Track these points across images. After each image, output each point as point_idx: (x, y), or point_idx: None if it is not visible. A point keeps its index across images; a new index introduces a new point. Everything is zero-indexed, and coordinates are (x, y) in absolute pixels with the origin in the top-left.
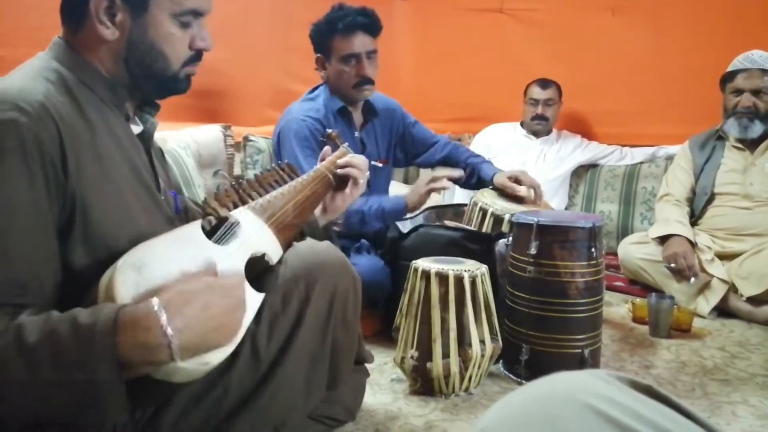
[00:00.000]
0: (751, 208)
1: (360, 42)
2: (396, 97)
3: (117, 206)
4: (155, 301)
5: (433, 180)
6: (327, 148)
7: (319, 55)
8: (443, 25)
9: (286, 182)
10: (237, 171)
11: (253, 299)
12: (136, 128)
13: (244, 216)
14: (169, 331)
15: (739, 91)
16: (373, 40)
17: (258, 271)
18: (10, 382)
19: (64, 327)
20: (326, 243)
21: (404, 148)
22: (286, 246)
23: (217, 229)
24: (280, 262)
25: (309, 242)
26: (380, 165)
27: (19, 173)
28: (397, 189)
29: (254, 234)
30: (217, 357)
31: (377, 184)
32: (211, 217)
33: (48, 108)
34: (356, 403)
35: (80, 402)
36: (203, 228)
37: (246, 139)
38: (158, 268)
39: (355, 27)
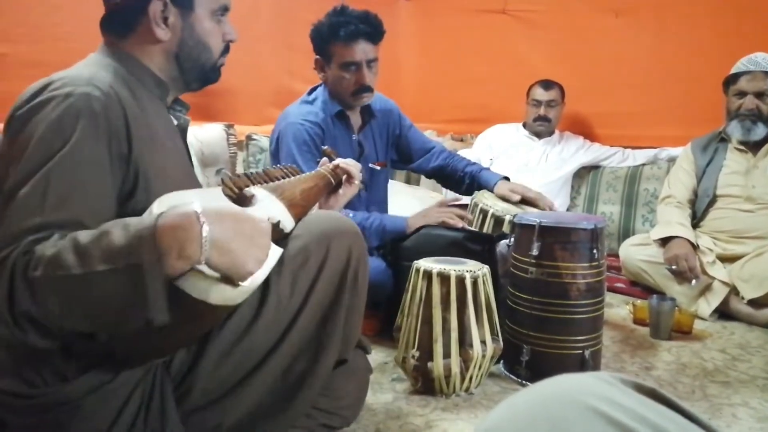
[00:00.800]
0: (753, 211)
1: (361, 50)
2: (399, 98)
3: (171, 180)
4: (196, 203)
5: (448, 216)
6: (324, 159)
7: (318, 57)
8: (446, 26)
9: (289, 177)
10: (239, 169)
11: (273, 252)
12: (174, 121)
13: (257, 191)
14: (202, 218)
15: (742, 94)
16: (374, 48)
17: (274, 239)
18: (65, 279)
19: (115, 226)
20: (337, 212)
21: (399, 150)
22: (296, 221)
23: (236, 204)
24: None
25: (321, 211)
26: (378, 168)
27: (88, 135)
28: (398, 190)
29: (268, 204)
30: (247, 281)
31: (375, 186)
32: (226, 192)
33: (116, 91)
34: (360, 400)
35: (126, 291)
36: None
37: (248, 137)
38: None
39: (357, 35)
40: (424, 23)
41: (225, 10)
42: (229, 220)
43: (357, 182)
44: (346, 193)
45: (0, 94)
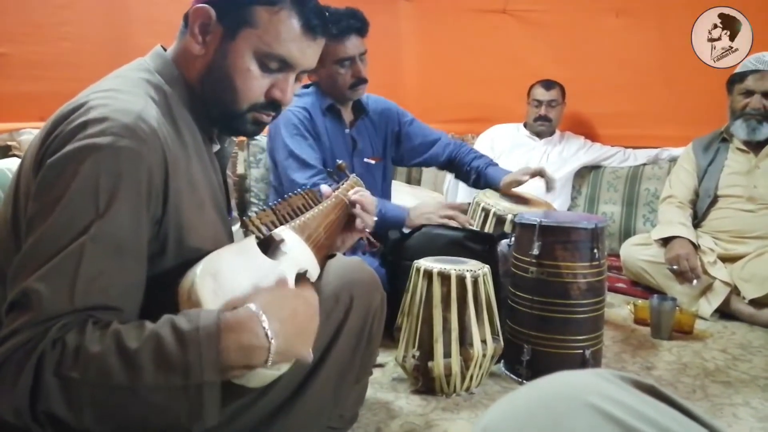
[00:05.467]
0: (755, 211)
1: (353, 45)
2: (400, 98)
3: (205, 231)
4: (254, 305)
5: (451, 217)
6: (326, 187)
7: None
8: (447, 26)
9: (310, 206)
10: (240, 170)
11: None
12: (214, 146)
13: (286, 234)
14: (270, 333)
15: (749, 93)
16: (363, 41)
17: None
18: (111, 387)
19: (165, 332)
20: (357, 259)
21: (402, 146)
22: (321, 265)
23: (264, 245)
24: (318, 279)
25: (341, 258)
26: (373, 162)
27: (130, 203)
28: (398, 189)
29: (298, 251)
30: (287, 364)
31: (371, 181)
32: (254, 235)
33: (159, 136)
34: (359, 401)
35: (181, 406)
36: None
37: (249, 138)
38: (230, 276)
39: (349, 30)
40: (425, 23)
41: (283, 63)
42: (288, 310)
43: (369, 229)
44: (354, 235)
45: (2, 94)
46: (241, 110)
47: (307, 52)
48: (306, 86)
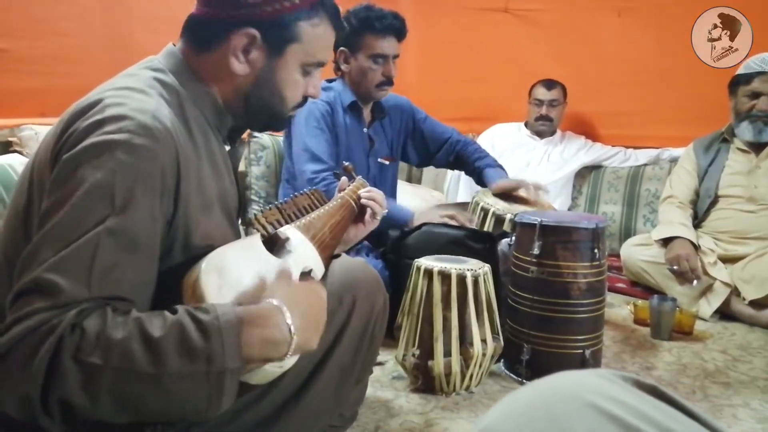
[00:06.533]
0: (756, 211)
1: (390, 44)
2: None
3: (212, 233)
4: (275, 300)
5: (451, 216)
6: (344, 179)
7: (343, 48)
8: (448, 25)
9: (316, 206)
10: (241, 167)
11: None
12: (226, 147)
13: (292, 233)
14: (293, 329)
15: (755, 95)
16: (399, 46)
17: None
18: (133, 374)
19: (186, 321)
20: (361, 261)
21: (416, 144)
22: (326, 265)
23: (269, 243)
24: (322, 279)
25: (345, 259)
26: (387, 163)
27: (146, 201)
28: (400, 188)
29: (303, 250)
30: (293, 359)
31: (383, 181)
32: (260, 233)
33: (173, 135)
34: (359, 399)
35: (202, 394)
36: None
37: (250, 135)
38: (235, 272)
39: (390, 29)
40: (426, 21)
41: (319, 65)
42: (305, 305)
43: (380, 216)
44: (368, 226)
45: (2, 90)
46: (286, 113)
47: (332, 47)
48: (330, 80)
